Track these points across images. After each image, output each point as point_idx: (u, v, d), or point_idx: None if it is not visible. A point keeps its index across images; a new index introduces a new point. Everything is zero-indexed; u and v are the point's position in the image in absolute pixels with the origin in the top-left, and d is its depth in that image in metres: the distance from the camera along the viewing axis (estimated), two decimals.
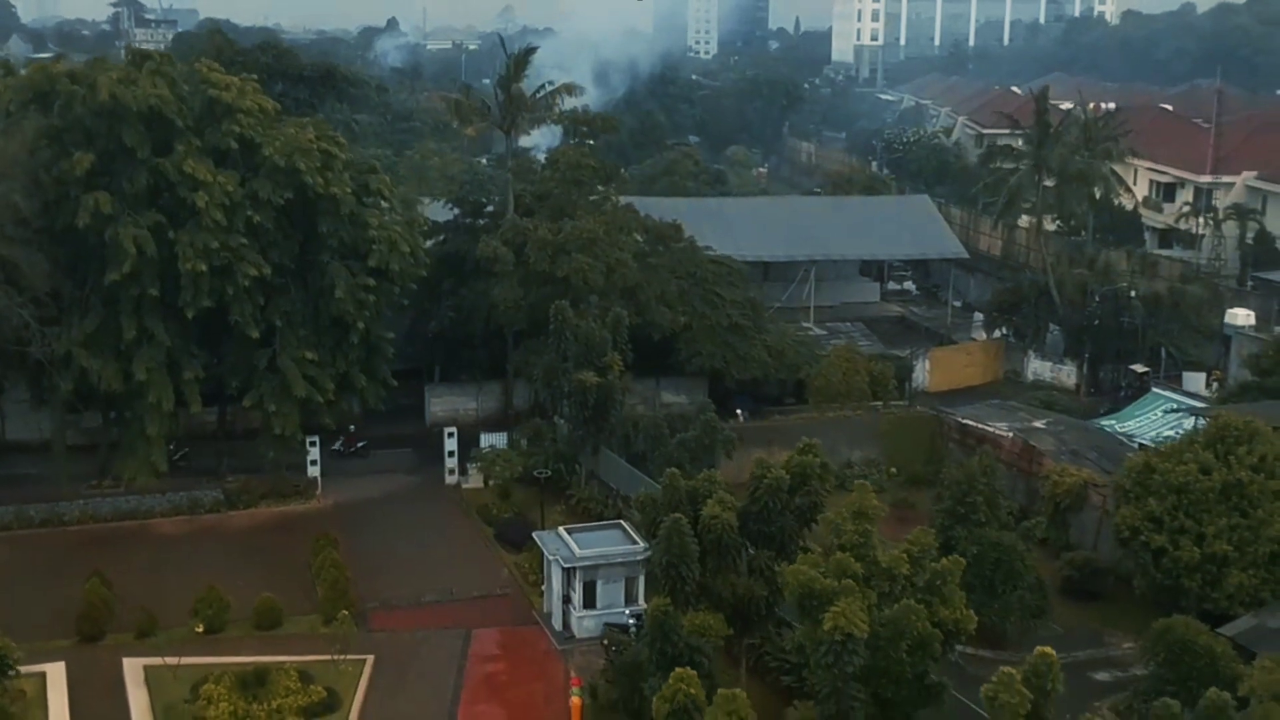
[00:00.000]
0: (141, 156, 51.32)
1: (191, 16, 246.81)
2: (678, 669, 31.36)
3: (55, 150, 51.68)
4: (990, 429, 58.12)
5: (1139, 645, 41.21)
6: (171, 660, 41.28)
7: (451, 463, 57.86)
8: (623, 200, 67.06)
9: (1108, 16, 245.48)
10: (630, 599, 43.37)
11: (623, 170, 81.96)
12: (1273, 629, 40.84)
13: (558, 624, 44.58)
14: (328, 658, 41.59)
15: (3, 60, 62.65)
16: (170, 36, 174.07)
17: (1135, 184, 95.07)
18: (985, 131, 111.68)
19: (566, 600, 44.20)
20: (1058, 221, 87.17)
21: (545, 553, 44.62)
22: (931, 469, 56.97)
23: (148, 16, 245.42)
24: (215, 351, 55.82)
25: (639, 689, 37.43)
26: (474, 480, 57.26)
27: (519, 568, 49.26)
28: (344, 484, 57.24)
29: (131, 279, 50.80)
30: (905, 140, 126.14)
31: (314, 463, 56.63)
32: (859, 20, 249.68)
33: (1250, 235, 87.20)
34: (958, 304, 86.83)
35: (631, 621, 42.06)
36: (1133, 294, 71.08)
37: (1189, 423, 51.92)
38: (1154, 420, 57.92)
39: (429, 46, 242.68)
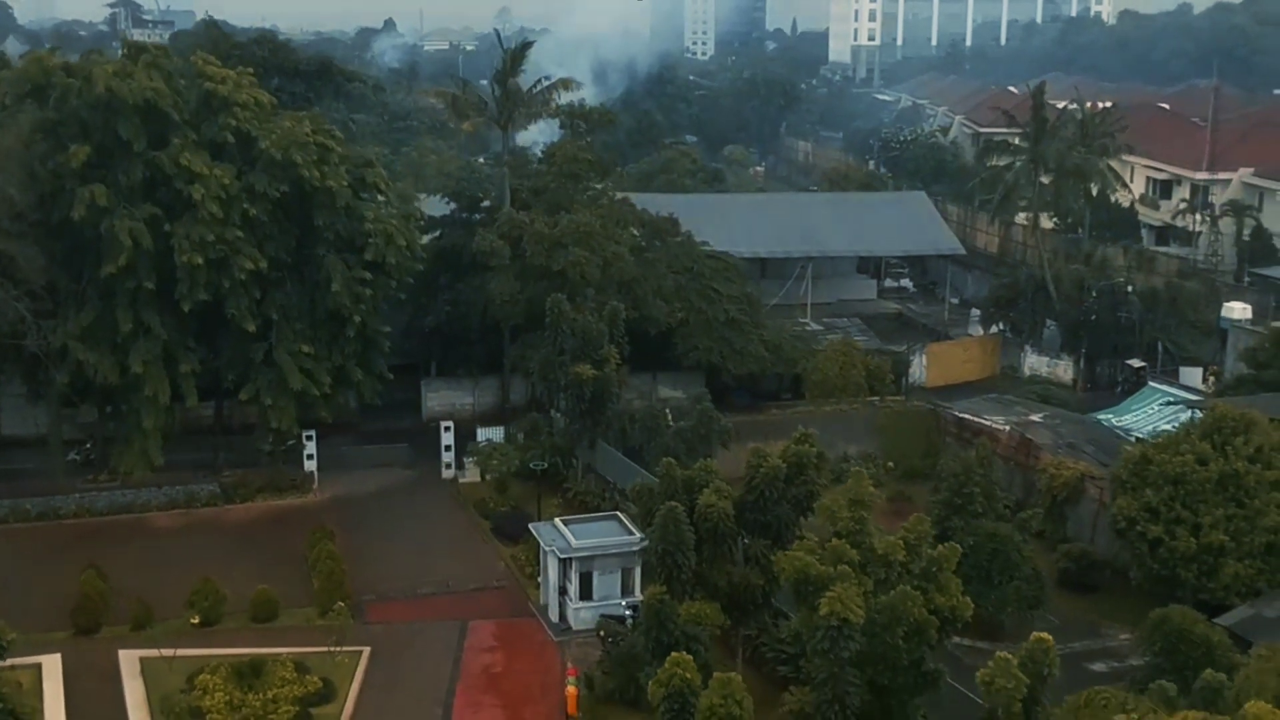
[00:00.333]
0: (137, 149, 51.24)
1: (188, 17, 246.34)
2: (674, 653, 31.30)
3: (51, 143, 51.60)
4: (987, 423, 58.18)
5: (1135, 636, 41.23)
6: (167, 652, 41.31)
7: (448, 457, 57.83)
8: (619, 196, 67.01)
9: (1104, 17, 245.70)
10: (627, 590, 43.36)
11: (620, 169, 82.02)
12: (1269, 618, 40.87)
13: (554, 616, 44.55)
14: (324, 649, 41.69)
15: None
16: (167, 37, 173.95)
17: (1132, 181, 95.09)
18: (982, 130, 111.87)
19: (563, 592, 44.17)
20: (1055, 219, 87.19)
21: (541, 544, 44.59)
22: (928, 463, 56.98)
23: (145, 17, 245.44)
24: (211, 346, 55.79)
25: (635, 679, 37.49)
26: (470, 474, 57.23)
27: (515, 560, 49.26)
28: (340, 478, 57.16)
29: (127, 272, 50.72)
30: (902, 139, 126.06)
31: (310, 456, 56.58)
32: (856, 20, 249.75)
33: (1247, 232, 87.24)
34: (955, 301, 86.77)
35: (628, 613, 42.12)
36: (1129, 289, 71.09)
37: (1185, 416, 51.96)
38: (1151, 414, 57.93)
39: (426, 48, 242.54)
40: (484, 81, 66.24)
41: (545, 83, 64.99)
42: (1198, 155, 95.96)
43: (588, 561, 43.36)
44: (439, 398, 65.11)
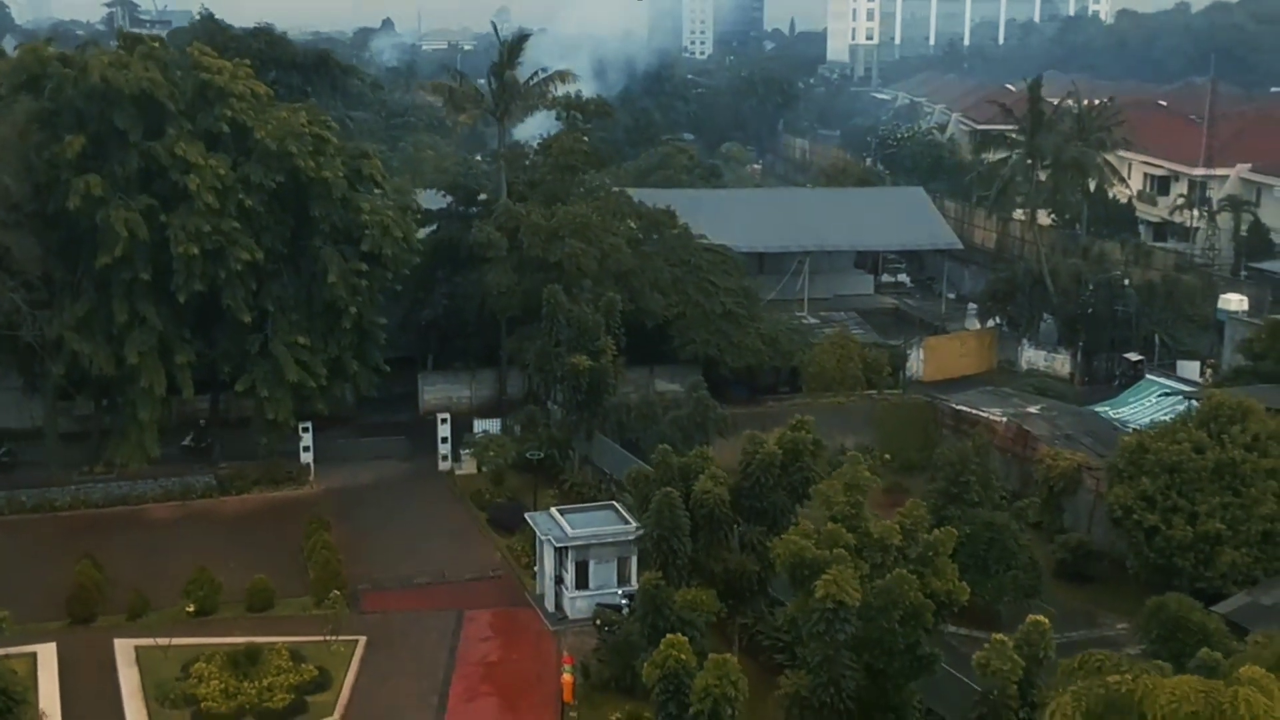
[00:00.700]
0: (133, 140, 51.19)
1: (185, 18, 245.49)
2: (669, 635, 31.24)
3: (46, 133, 51.49)
4: (984, 414, 58.12)
5: (1132, 625, 41.14)
6: (163, 641, 41.24)
7: (445, 449, 57.78)
8: (616, 189, 66.90)
9: (1102, 15, 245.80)
10: (623, 579, 43.25)
11: (618, 167, 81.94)
12: (1266, 606, 40.80)
13: (550, 605, 44.48)
14: (319, 638, 41.58)
15: None
16: (164, 35, 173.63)
17: (1129, 178, 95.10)
18: (979, 126, 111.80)
19: (559, 581, 44.08)
20: (1052, 215, 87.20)
21: (538, 533, 44.51)
22: (925, 455, 56.88)
23: (142, 17, 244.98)
24: (208, 338, 55.67)
25: (631, 667, 37.39)
26: (467, 466, 57.16)
27: (512, 551, 49.21)
28: (337, 470, 57.13)
29: (123, 263, 50.64)
30: (899, 136, 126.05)
31: (307, 448, 56.51)
32: (854, 20, 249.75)
33: (1244, 227, 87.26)
34: (952, 296, 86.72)
35: (624, 601, 42.04)
36: (1126, 283, 71.05)
37: (1183, 407, 51.87)
38: (1148, 405, 57.88)
39: (424, 47, 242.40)
40: (482, 80, 66.14)
41: (542, 75, 64.92)
42: (1195, 151, 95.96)
43: (584, 550, 43.29)
44: (436, 391, 65.06)
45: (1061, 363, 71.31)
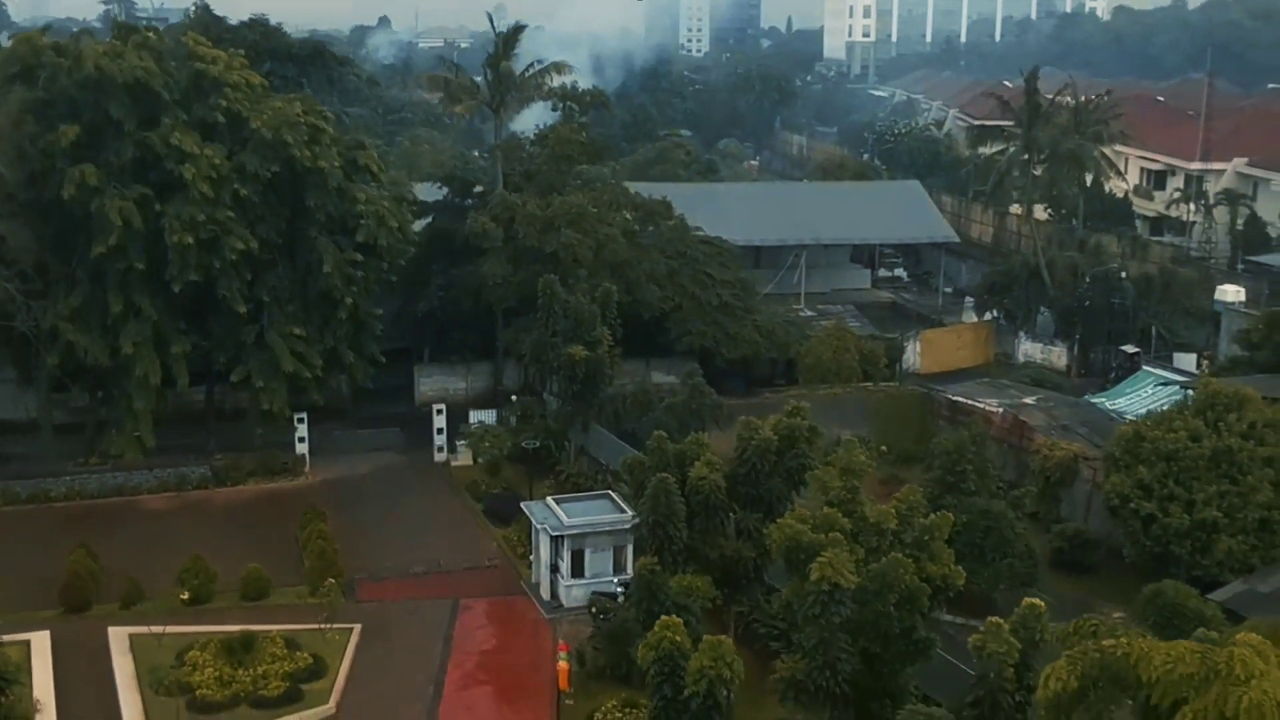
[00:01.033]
0: (128, 129, 51.04)
1: (182, 15, 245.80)
2: (664, 617, 31.13)
3: (41, 123, 51.32)
4: (980, 405, 58.01)
5: (1128, 613, 41.04)
6: (157, 629, 41.09)
7: (440, 440, 57.66)
8: (612, 181, 66.79)
9: (1099, 12, 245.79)
10: (619, 568, 43.10)
11: (615, 164, 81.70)
12: (1263, 594, 40.75)
13: (546, 594, 44.36)
14: (314, 626, 41.46)
15: None
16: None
17: (1126, 173, 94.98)
18: (976, 122, 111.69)
19: (555, 569, 43.99)
20: (1049, 210, 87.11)
21: (533, 522, 44.42)
22: (922, 446, 56.68)
23: (139, 15, 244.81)
24: (203, 329, 55.51)
25: (627, 654, 37.27)
26: (463, 458, 57.04)
27: (507, 540, 49.07)
28: (332, 461, 57.09)
29: (118, 252, 50.50)
30: (896, 132, 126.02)
31: (302, 439, 56.41)
32: (850, 17, 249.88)
33: (1240, 221, 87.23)
34: (948, 290, 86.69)
35: (620, 590, 41.90)
36: (1123, 275, 70.96)
37: (1179, 396, 51.78)
38: (1145, 396, 57.73)
39: (421, 45, 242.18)
40: (479, 79, 66.06)
41: (538, 66, 64.80)
42: (1192, 146, 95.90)
43: (580, 539, 43.16)
44: (432, 383, 64.94)
45: (1058, 355, 71.26)
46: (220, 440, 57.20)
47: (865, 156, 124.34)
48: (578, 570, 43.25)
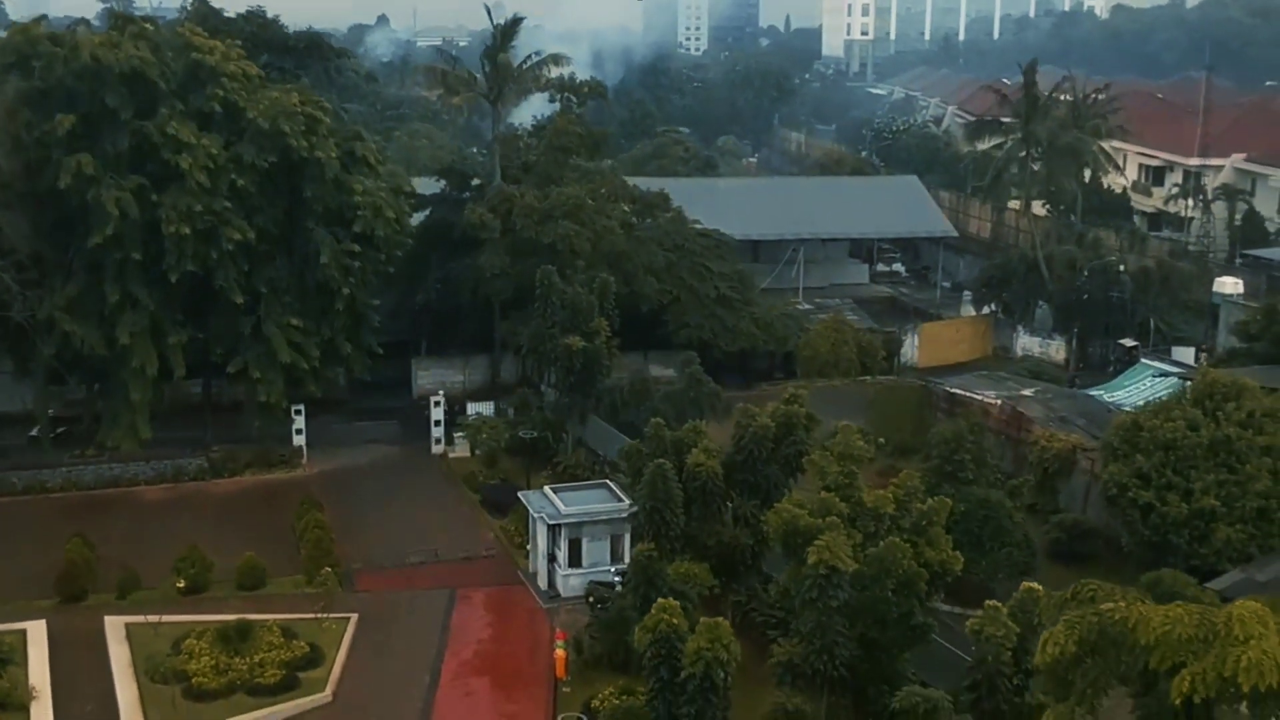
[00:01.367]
0: (124, 119, 50.87)
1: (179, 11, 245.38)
2: (661, 599, 31.03)
3: (37, 113, 51.11)
4: (978, 397, 57.92)
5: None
6: (153, 618, 40.94)
7: (437, 432, 57.58)
8: (610, 169, 66.71)
9: (1097, 11, 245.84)
10: (616, 557, 43.01)
11: (613, 161, 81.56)
12: (1260, 583, 40.55)
13: (543, 583, 44.29)
14: (311, 615, 41.37)
15: None
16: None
17: (1124, 169, 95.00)
18: (973, 117, 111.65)
19: (552, 559, 43.90)
20: (1046, 205, 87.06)
21: (531, 511, 44.34)
22: (919, 439, 56.59)
23: (137, 14, 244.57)
24: (200, 322, 55.38)
25: (624, 642, 37.16)
26: (460, 449, 56.94)
27: (505, 531, 49.01)
28: (330, 453, 56.97)
29: (114, 242, 50.35)
30: (894, 129, 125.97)
31: (299, 431, 56.29)
32: (849, 15, 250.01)
33: (1239, 216, 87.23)
34: (947, 285, 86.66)
35: (617, 579, 41.79)
36: (1121, 269, 70.90)
37: (1177, 386, 51.72)
38: (1143, 387, 57.67)
39: (419, 44, 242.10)
40: (478, 77, 65.90)
41: (536, 58, 64.66)
42: (1190, 142, 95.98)
43: (577, 528, 43.08)
44: (429, 376, 64.87)
45: (1056, 349, 71.20)
46: (217, 433, 57.10)
47: (863, 153, 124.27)
48: (575, 560, 43.18)
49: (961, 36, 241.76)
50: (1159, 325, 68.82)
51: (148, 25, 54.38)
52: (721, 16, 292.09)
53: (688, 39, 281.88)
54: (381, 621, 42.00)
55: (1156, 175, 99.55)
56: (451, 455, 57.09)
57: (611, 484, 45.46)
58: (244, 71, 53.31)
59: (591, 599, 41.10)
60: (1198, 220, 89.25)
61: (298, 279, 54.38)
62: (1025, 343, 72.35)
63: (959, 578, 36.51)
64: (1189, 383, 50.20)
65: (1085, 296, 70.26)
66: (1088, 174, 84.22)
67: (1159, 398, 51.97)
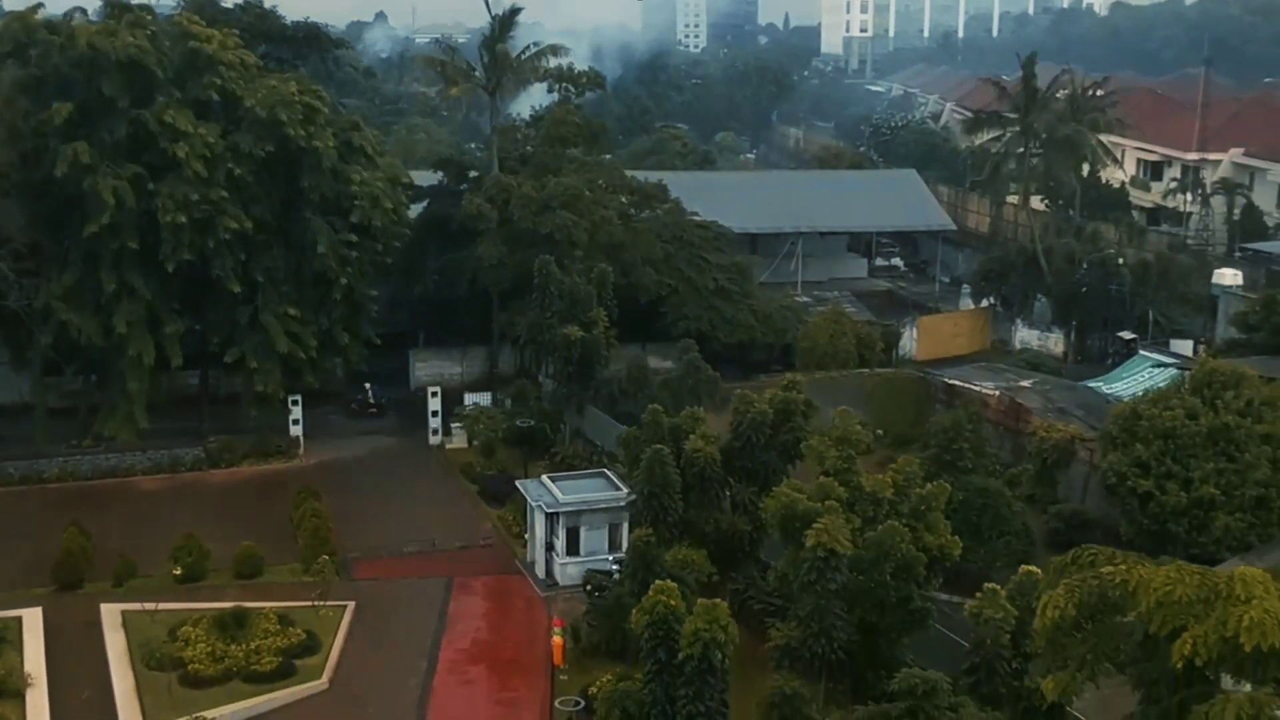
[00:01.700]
0: (121, 107, 50.76)
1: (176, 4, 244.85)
2: (658, 581, 30.91)
3: (33, 101, 51.01)
4: (976, 388, 57.85)
5: None
6: (149, 605, 40.81)
7: (435, 423, 57.46)
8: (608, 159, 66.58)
9: (1096, 8, 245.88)
10: (614, 546, 42.89)
11: (612, 155, 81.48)
12: None
13: (541, 572, 44.16)
14: (308, 603, 41.24)
15: None
16: None
17: (1123, 163, 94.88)
18: (972, 112, 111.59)
19: (550, 547, 43.76)
20: (1045, 200, 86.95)
21: (529, 500, 44.21)
22: (918, 430, 56.53)
23: (135, 3, 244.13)
24: (197, 312, 55.28)
25: (622, 630, 37.08)
26: (458, 440, 56.86)
27: (502, 520, 48.90)
28: (327, 444, 56.91)
29: (111, 231, 50.21)
30: (893, 125, 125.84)
31: (296, 422, 56.17)
32: (848, 12, 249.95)
33: (1237, 210, 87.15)
34: (945, 279, 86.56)
35: (615, 568, 41.71)
36: (1120, 262, 70.80)
37: (1175, 376, 51.62)
38: (1141, 379, 57.61)
39: (418, 40, 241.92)
40: (477, 74, 65.81)
41: (534, 48, 64.52)
42: (1188, 137, 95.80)
43: (575, 516, 42.94)
44: (427, 367, 64.79)
45: (1055, 342, 71.13)
46: (214, 424, 56.99)
47: (862, 149, 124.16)
48: (573, 548, 43.03)
49: (960, 34, 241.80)
50: (1158, 318, 68.73)
51: (145, 14, 54.16)
52: (720, 14, 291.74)
53: (687, 36, 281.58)
54: (379, 610, 41.89)
55: (1155, 170, 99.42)
56: (449, 446, 56.99)
57: (609, 473, 45.35)
58: (241, 60, 53.25)
59: (589, 587, 40.99)
60: (1196, 215, 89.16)
61: (295, 269, 54.28)
62: (1024, 336, 72.25)
63: (958, 566, 36.45)
64: (1188, 373, 50.14)
65: (1084, 290, 70.18)
66: (1086, 168, 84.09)
67: (1157, 388, 51.98)
